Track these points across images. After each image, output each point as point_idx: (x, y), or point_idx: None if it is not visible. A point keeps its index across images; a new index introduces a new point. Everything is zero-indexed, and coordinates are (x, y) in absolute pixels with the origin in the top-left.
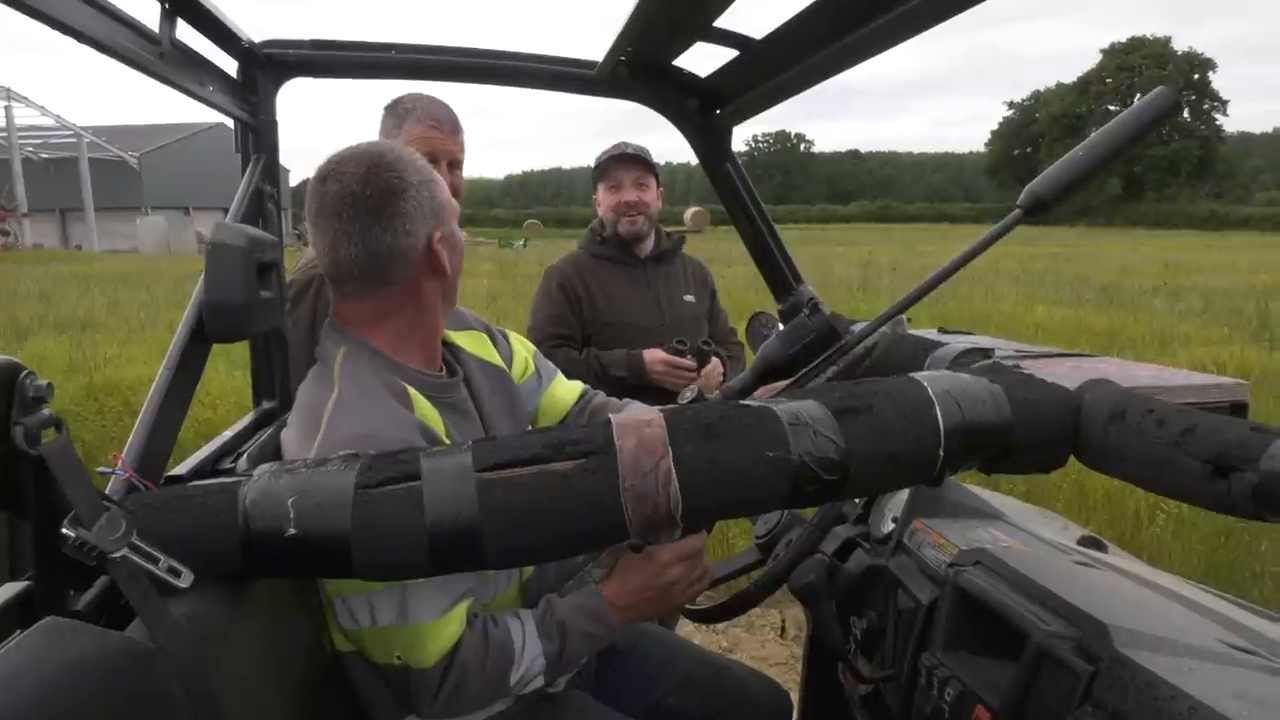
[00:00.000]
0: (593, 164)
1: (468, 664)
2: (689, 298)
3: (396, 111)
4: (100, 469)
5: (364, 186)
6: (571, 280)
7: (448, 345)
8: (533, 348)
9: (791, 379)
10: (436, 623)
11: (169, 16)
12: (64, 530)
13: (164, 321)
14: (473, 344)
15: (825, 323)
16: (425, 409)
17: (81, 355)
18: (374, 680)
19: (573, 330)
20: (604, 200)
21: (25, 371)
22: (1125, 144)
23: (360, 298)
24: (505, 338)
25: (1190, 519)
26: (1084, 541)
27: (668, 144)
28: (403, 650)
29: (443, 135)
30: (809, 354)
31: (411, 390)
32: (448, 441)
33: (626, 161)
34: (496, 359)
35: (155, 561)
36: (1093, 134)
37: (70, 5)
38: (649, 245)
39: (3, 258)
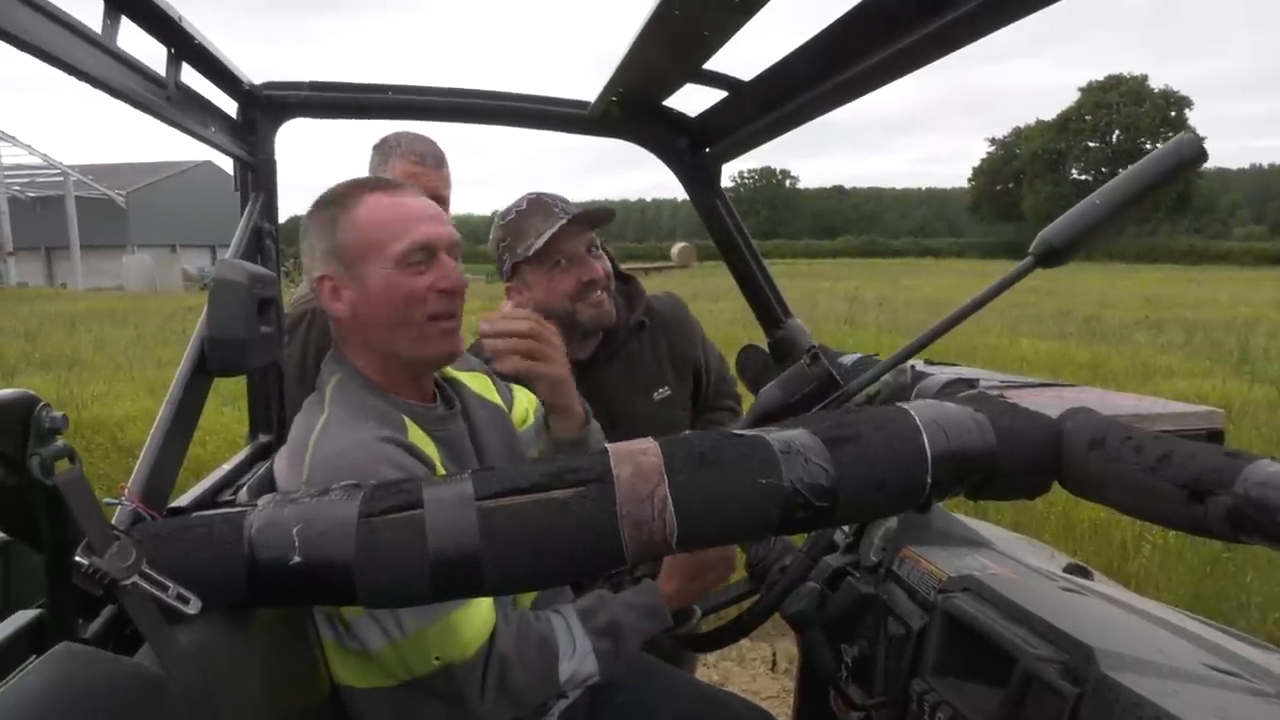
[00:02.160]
0: (500, 240)
1: (507, 657)
2: (661, 392)
3: (382, 149)
4: (107, 500)
5: None
6: None
7: (449, 381)
8: (535, 399)
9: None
10: (465, 610)
11: (175, 61)
12: (77, 558)
13: (152, 359)
14: (474, 383)
15: (825, 372)
16: (419, 435)
17: (69, 393)
18: (378, 714)
19: None
20: (549, 287)
21: (41, 403)
22: (1143, 192)
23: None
24: (508, 387)
25: (1177, 549)
26: (1070, 569)
27: (656, 180)
28: (440, 649)
29: (426, 170)
30: (809, 404)
31: (406, 419)
32: (440, 467)
33: (575, 228)
34: (497, 399)
35: (164, 589)
36: (1111, 180)
37: (85, 52)
38: (594, 339)
39: None
